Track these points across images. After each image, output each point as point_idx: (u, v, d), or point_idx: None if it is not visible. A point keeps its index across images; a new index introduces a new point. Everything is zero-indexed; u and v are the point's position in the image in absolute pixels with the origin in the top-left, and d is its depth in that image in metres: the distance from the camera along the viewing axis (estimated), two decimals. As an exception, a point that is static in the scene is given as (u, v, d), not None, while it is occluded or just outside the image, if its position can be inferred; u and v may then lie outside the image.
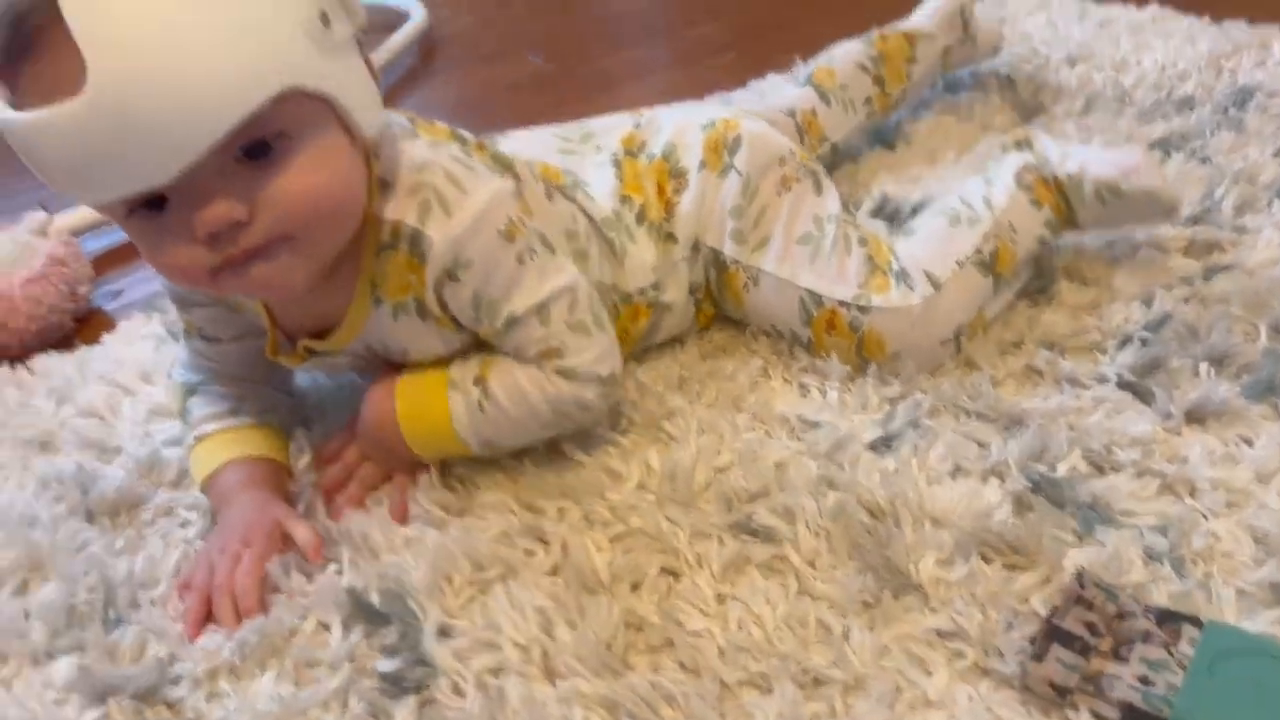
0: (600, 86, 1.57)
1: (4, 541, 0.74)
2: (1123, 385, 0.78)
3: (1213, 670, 0.55)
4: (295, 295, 0.66)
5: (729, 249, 0.85)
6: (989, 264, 0.82)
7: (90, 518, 0.77)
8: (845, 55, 1.10)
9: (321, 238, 0.63)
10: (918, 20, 1.19)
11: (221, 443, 0.76)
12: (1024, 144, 0.93)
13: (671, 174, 0.86)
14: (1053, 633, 0.58)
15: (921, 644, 0.61)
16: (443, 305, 0.70)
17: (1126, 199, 0.86)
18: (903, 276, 0.81)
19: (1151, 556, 0.64)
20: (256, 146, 0.58)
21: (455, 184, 0.68)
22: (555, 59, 1.69)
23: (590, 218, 0.81)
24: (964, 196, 0.87)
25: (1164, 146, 1.09)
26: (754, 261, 0.84)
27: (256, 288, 0.64)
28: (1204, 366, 0.78)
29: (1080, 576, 0.61)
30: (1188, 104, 1.18)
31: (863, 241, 0.84)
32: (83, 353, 0.97)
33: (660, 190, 0.85)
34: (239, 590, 0.67)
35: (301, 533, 0.71)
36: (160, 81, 0.53)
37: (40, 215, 1.11)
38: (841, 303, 0.81)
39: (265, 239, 0.60)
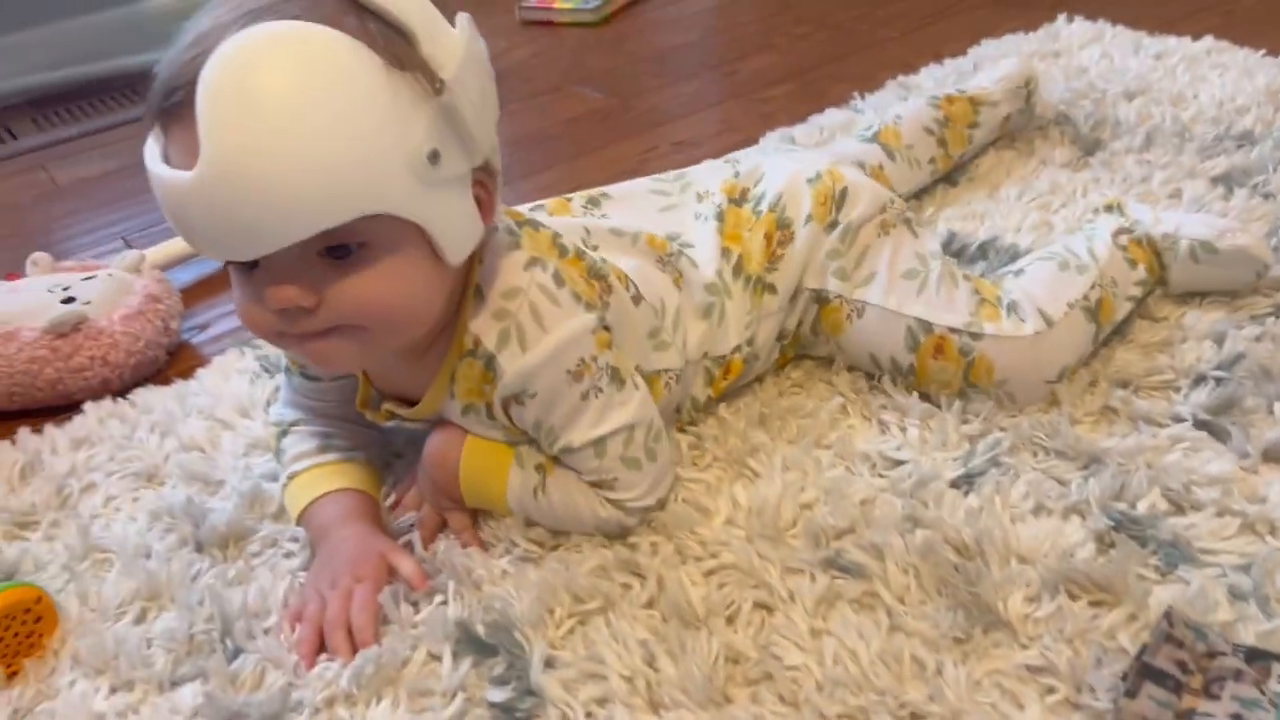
0: (656, 120, 1.60)
1: (122, 572, 0.78)
2: (1198, 424, 0.80)
3: (1305, 709, 0.57)
4: (350, 370, 0.73)
5: (833, 285, 0.87)
6: (1094, 311, 0.85)
7: (200, 549, 0.81)
8: (912, 118, 1.13)
9: (380, 339, 0.67)
10: (984, 85, 1.22)
11: (315, 477, 0.79)
12: (1115, 208, 0.97)
13: (779, 225, 0.88)
14: (1145, 670, 0.60)
15: (1013, 679, 0.63)
16: (508, 416, 0.74)
17: (1221, 256, 0.90)
18: (1014, 308, 0.84)
19: (1237, 596, 0.66)
20: (338, 248, 0.62)
21: (537, 320, 0.71)
22: (612, 93, 1.72)
23: (690, 286, 0.83)
24: (1069, 246, 0.91)
25: (1226, 183, 1.11)
26: (859, 295, 0.86)
27: (312, 358, 0.69)
28: (1279, 406, 0.80)
29: (1169, 615, 0.63)
30: (1248, 138, 1.19)
31: (967, 277, 0.87)
32: (180, 387, 1.01)
33: (768, 242, 0.87)
34: (356, 625, 0.70)
35: (406, 565, 0.74)
36: (257, 183, 0.57)
37: (134, 253, 1.15)
38: (952, 329, 0.83)
39: (325, 328, 0.65)
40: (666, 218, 0.89)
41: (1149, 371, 0.85)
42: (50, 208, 1.53)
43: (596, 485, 0.75)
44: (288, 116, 0.57)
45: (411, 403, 0.77)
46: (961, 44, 1.61)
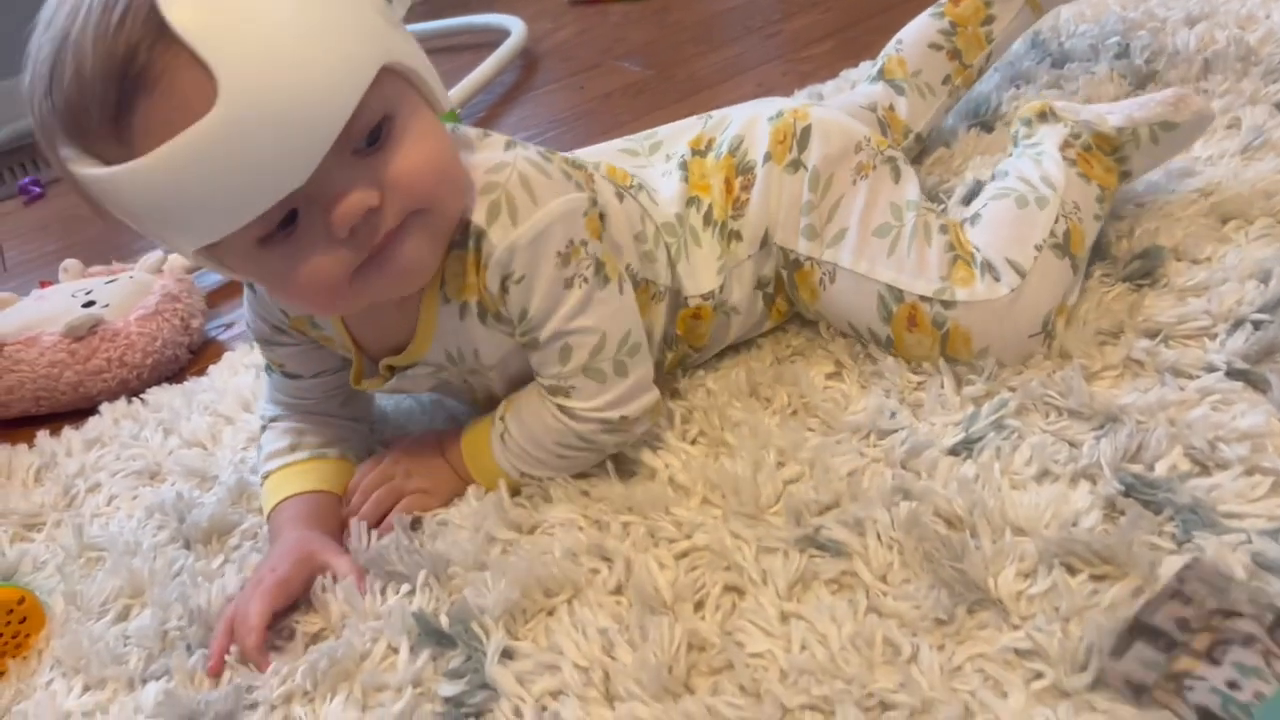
0: (695, 89, 1.55)
1: (109, 569, 0.79)
2: (1233, 374, 0.71)
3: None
4: (428, 277, 0.68)
5: (802, 247, 0.81)
6: (1064, 245, 0.77)
7: (188, 544, 0.80)
8: (915, 37, 1.04)
9: (447, 205, 0.66)
10: None
11: (284, 478, 0.78)
12: (1048, 114, 0.87)
13: (739, 170, 0.83)
14: (1137, 627, 0.54)
15: (997, 664, 0.57)
16: (498, 315, 0.71)
17: (1181, 128, 0.85)
18: (987, 267, 0.76)
19: (1261, 565, 0.58)
20: (370, 134, 0.61)
21: (527, 189, 0.68)
22: (653, 64, 1.68)
23: (648, 221, 0.79)
24: (1023, 175, 0.82)
25: (1292, 106, 1.00)
26: (829, 257, 0.80)
27: (395, 277, 0.65)
28: (1328, 349, 0.70)
29: (1189, 565, 0.56)
30: (1321, 57, 1.07)
31: (944, 229, 0.79)
32: (191, 384, 1.02)
33: (728, 187, 0.83)
34: (243, 612, 0.68)
35: (341, 567, 0.72)
36: (285, 79, 0.55)
37: (156, 254, 1.17)
38: (923, 298, 0.76)
39: (400, 218, 0.63)
40: (633, 168, 0.85)
41: (1181, 318, 0.76)
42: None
43: (551, 392, 0.72)
44: (280, 8, 0.56)
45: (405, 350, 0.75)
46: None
